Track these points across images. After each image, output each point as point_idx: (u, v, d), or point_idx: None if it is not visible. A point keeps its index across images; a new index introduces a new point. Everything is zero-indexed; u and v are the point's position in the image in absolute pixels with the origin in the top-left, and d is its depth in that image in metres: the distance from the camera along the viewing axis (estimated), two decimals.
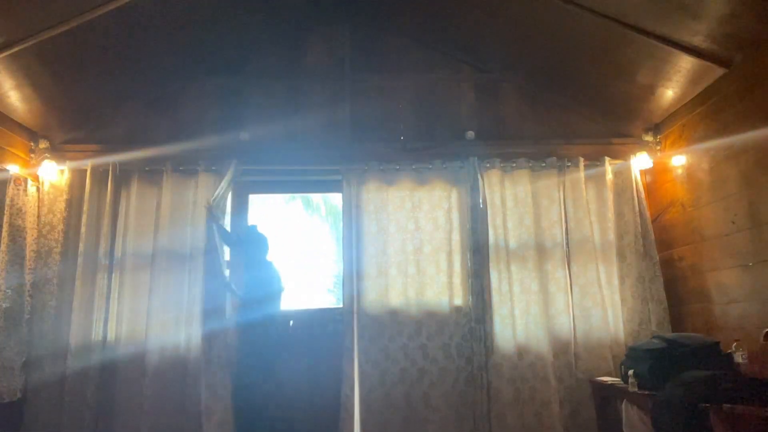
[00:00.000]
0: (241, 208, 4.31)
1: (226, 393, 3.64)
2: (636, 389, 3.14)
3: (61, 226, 3.89)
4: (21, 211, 3.66)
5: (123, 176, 4.05)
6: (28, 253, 3.71)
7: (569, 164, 4.15)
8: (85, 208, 3.90)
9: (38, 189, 3.93)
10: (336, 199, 6.60)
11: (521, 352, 3.89)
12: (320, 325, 4.14)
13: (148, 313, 3.82)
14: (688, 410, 2.61)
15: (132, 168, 4.06)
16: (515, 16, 3.79)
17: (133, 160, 4.03)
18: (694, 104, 3.68)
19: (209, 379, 3.63)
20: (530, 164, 4.18)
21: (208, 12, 3.77)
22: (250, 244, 3.94)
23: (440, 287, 4.02)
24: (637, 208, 4.05)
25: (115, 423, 3.69)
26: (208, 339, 3.69)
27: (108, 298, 3.83)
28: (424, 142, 4.28)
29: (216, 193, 3.90)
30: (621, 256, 4.03)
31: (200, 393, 3.61)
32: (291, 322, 4.13)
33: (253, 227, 4.01)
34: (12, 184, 3.60)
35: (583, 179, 4.11)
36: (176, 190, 4.06)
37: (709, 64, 3.31)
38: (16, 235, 3.61)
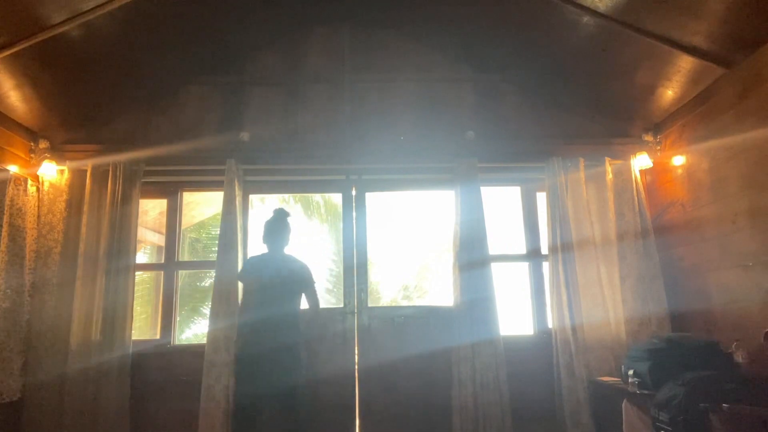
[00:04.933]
0: (241, 208, 4.30)
1: None
2: (636, 389, 3.14)
3: (61, 226, 3.88)
4: (21, 211, 3.66)
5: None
6: (28, 253, 3.71)
7: (569, 164, 4.15)
8: (85, 208, 3.89)
9: (38, 189, 3.92)
10: (336, 199, 6.57)
11: None
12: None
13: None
14: (688, 410, 2.61)
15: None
16: (515, 15, 3.79)
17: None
18: (694, 104, 3.68)
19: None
20: (530, 164, 4.18)
21: (208, 12, 3.76)
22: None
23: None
24: (637, 208, 4.05)
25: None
26: None
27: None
28: (424, 142, 4.28)
29: None
30: (621, 256, 4.02)
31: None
32: None
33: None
34: (12, 184, 3.60)
35: (583, 179, 4.11)
36: None
37: (709, 64, 3.31)
38: (16, 235, 3.61)
